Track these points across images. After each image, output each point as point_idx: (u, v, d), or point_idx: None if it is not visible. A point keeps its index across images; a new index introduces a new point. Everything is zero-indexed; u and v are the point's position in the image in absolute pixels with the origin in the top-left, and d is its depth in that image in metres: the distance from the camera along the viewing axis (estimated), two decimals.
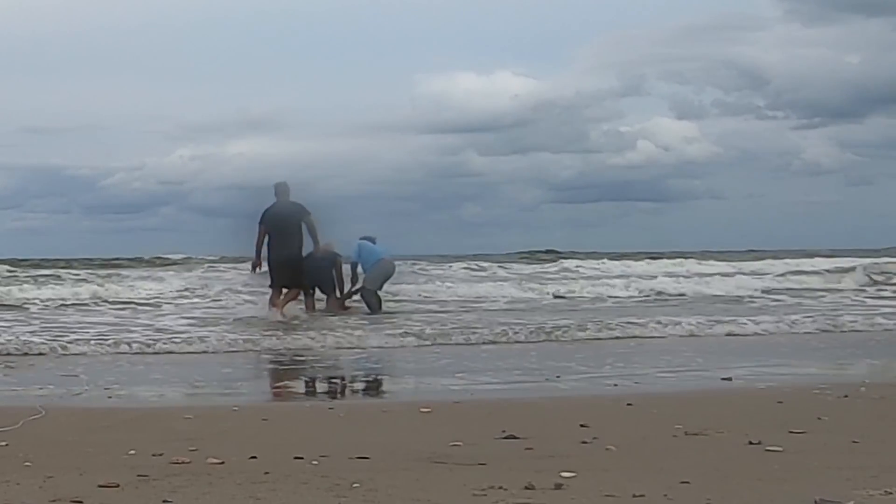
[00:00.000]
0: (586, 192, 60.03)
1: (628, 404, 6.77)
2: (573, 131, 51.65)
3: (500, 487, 4.12)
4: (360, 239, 15.60)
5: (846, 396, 7.13)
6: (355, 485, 4.20)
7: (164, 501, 3.96)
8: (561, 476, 4.34)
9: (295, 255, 14.12)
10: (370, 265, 15.33)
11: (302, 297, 14.67)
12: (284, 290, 14.23)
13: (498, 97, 48.99)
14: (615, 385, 8.26)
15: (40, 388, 8.09)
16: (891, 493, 4.02)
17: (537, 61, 61.22)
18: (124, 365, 9.82)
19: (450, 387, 8.26)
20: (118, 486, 4.21)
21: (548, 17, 57.02)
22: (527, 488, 4.11)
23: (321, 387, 8.97)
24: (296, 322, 13.40)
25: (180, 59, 54.43)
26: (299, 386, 9.01)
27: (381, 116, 57.11)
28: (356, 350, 11.12)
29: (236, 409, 6.83)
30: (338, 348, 11.24)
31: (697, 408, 6.72)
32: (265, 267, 14.26)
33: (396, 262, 15.97)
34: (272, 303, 14.10)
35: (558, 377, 8.84)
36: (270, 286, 14.24)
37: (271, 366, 10.32)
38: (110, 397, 7.69)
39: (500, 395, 7.93)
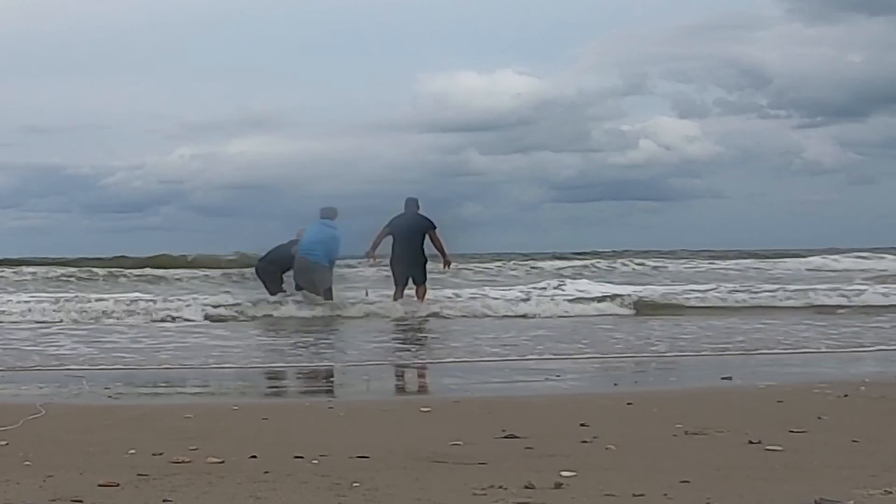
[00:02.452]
0: (587, 192, 60.06)
1: (628, 404, 6.77)
2: (575, 130, 51.55)
3: (500, 487, 4.13)
4: (322, 218, 15.99)
5: (846, 396, 7.13)
6: (355, 484, 4.20)
7: (164, 501, 3.96)
8: (561, 475, 4.34)
9: (414, 258, 15.72)
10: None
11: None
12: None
13: (499, 96, 48.93)
14: (615, 384, 8.26)
15: (40, 388, 8.10)
16: (891, 493, 4.02)
17: (539, 60, 61.06)
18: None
19: (449, 386, 8.27)
20: (118, 485, 4.21)
21: (550, 16, 56.90)
22: (527, 487, 4.11)
23: None
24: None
25: (180, 58, 54.36)
26: None
27: (382, 115, 57.05)
28: None
29: (236, 408, 6.83)
30: None
31: (697, 407, 6.72)
32: (380, 262, 16.27)
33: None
34: (395, 297, 15.75)
35: (558, 376, 8.85)
36: (395, 284, 15.85)
37: None
38: (110, 396, 7.69)
39: (500, 394, 7.93)
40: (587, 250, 34.03)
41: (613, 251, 33.36)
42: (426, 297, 15.87)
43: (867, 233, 58.88)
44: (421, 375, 9.57)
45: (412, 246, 15.67)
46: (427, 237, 15.73)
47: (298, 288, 15.92)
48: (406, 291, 15.96)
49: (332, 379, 9.23)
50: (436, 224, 15.75)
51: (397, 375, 9.53)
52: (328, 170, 48.79)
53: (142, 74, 53.90)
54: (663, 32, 57.07)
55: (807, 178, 53.11)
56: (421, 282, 15.80)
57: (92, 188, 50.98)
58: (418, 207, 16.02)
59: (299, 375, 9.44)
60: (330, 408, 6.83)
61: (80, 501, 3.94)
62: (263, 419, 6.26)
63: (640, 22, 60.86)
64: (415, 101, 54.12)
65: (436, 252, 15.94)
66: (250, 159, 47.75)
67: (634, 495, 4.00)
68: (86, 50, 52.25)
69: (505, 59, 63.18)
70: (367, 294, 16.25)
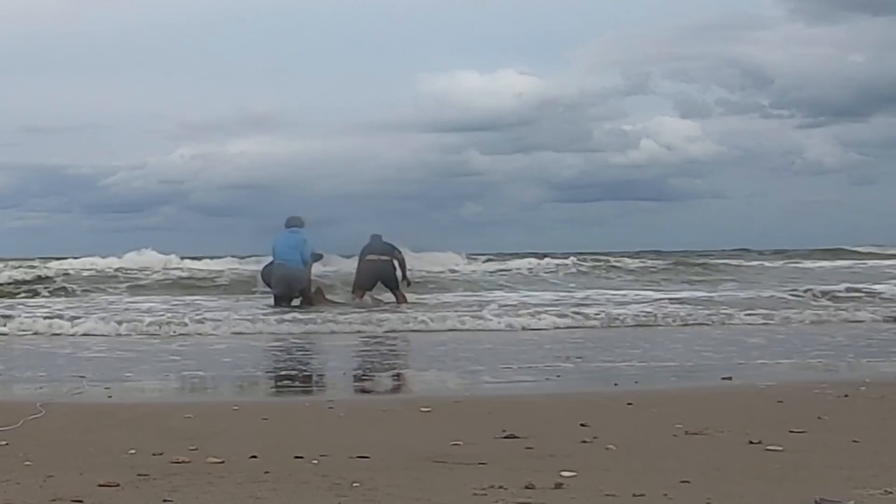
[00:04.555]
0: (588, 192, 60.06)
1: (628, 403, 6.77)
2: (576, 130, 51.51)
3: (500, 487, 4.13)
4: (288, 227, 16.76)
5: (846, 396, 7.13)
6: (355, 484, 4.20)
7: (164, 501, 3.96)
8: (561, 475, 4.34)
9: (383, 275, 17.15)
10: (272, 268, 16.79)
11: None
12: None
13: (501, 96, 48.89)
14: (615, 384, 8.26)
15: (40, 388, 8.10)
16: (891, 493, 4.02)
17: (541, 60, 61.06)
18: None
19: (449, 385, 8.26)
20: (118, 485, 4.21)
21: (551, 16, 56.92)
22: (527, 488, 4.11)
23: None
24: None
25: (181, 58, 54.42)
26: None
27: (383, 115, 57.03)
28: None
29: (236, 408, 6.83)
30: None
31: (697, 407, 6.72)
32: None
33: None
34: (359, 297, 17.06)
35: (558, 376, 8.85)
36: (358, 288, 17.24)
37: None
38: (110, 396, 7.69)
39: (501, 393, 7.93)
40: (601, 250, 33.95)
41: (646, 251, 33.27)
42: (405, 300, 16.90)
43: (868, 233, 58.92)
44: None
45: (385, 260, 17.13)
46: (395, 260, 17.16)
47: (277, 301, 16.42)
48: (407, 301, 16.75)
49: None
50: (400, 249, 17.29)
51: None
52: (329, 170, 48.87)
53: (142, 74, 54.02)
54: (665, 32, 57.08)
55: (808, 179, 53.13)
56: (396, 287, 17.06)
57: (92, 188, 51.07)
58: (381, 239, 17.44)
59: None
60: (330, 408, 6.82)
61: (80, 501, 3.94)
62: (263, 419, 6.26)
63: (641, 22, 60.93)
64: (416, 101, 54.19)
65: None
66: (251, 159, 47.82)
67: (634, 495, 4.00)
68: (86, 50, 52.34)
69: (506, 59, 63.26)
70: (371, 300, 16.61)
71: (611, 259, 26.01)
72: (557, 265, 24.51)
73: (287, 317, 14.32)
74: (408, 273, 17.37)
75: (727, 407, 6.71)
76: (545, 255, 25.48)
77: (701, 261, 27.44)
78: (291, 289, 16.43)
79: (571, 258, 25.25)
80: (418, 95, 54.05)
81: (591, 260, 25.60)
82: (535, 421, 6.10)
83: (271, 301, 16.49)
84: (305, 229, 16.79)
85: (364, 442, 5.27)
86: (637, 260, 26.80)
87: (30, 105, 55.72)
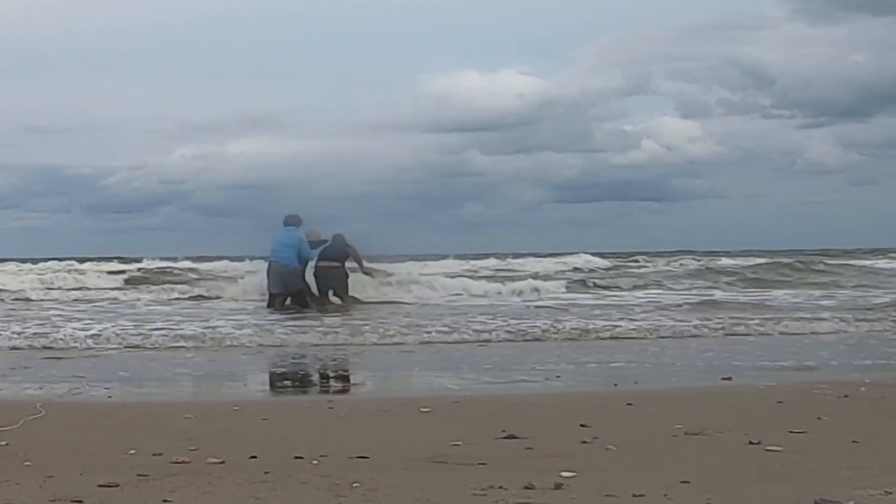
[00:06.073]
0: (589, 192, 60.13)
1: (628, 404, 6.77)
2: (577, 130, 51.67)
3: (500, 487, 4.13)
4: (286, 225, 16.79)
5: (846, 396, 7.13)
6: (355, 484, 4.20)
7: (164, 501, 3.96)
8: (561, 476, 4.34)
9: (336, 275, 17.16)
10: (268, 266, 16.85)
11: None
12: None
13: (502, 96, 48.99)
14: (615, 385, 8.26)
15: (40, 388, 8.10)
16: (891, 493, 4.02)
17: (542, 60, 61.26)
18: None
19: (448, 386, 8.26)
20: (118, 485, 4.21)
21: (553, 16, 57.11)
22: (527, 488, 4.11)
23: None
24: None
25: (181, 58, 54.55)
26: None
27: (384, 115, 57.17)
28: None
29: (236, 408, 6.83)
30: None
31: (697, 407, 6.72)
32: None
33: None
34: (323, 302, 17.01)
35: (558, 377, 8.84)
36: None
37: None
38: (110, 396, 7.69)
39: (500, 394, 7.93)
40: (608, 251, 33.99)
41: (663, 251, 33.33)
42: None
43: (868, 233, 58.92)
44: None
45: (334, 266, 17.08)
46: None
47: (271, 300, 16.44)
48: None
49: None
50: (354, 247, 17.30)
51: None
52: (329, 170, 48.94)
53: (142, 74, 54.16)
54: (666, 32, 57.19)
55: (809, 179, 53.26)
56: (345, 293, 17.00)
57: (93, 188, 51.21)
58: (344, 238, 17.41)
59: None
60: (330, 408, 6.82)
61: (80, 501, 3.94)
62: (263, 419, 6.26)
63: (643, 22, 61.02)
64: (416, 101, 54.29)
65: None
66: (251, 159, 47.92)
67: (634, 495, 4.00)
68: (86, 50, 52.43)
69: (507, 59, 63.33)
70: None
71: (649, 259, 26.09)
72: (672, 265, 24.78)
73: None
74: (367, 266, 17.45)
75: (727, 407, 6.71)
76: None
77: (787, 261, 27.08)
78: (287, 287, 16.38)
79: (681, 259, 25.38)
80: (418, 95, 54.26)
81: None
82: (535, 421, 6.10)
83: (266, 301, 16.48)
84: (302, 227, 16.77)
85: (364, 442, 5.27)
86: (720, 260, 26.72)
87: (30, 105, 55.92)
